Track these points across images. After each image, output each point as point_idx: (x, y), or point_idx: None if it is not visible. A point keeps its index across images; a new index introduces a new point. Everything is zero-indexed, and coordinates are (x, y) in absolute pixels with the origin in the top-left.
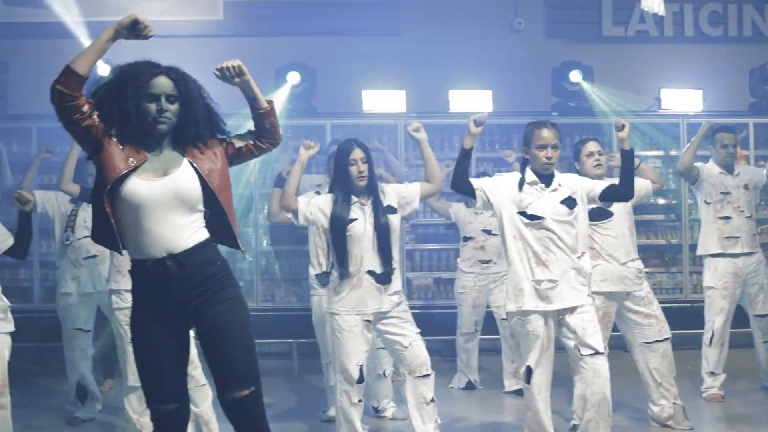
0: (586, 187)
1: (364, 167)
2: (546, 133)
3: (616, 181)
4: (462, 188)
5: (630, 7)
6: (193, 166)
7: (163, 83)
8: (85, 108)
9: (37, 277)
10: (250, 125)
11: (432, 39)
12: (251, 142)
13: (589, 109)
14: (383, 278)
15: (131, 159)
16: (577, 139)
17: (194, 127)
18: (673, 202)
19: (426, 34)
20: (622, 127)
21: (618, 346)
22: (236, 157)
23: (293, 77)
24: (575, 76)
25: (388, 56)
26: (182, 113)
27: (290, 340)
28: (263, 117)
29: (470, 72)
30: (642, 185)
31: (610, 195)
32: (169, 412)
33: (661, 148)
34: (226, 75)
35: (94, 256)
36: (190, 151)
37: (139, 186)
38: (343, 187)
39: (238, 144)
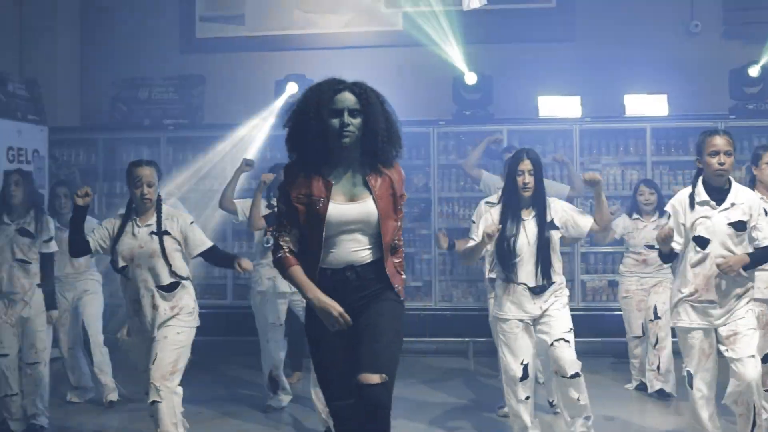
0: (755, 216)
1: (529, 179)
2: (718, 140)
3: None
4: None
5: None
6: (371, 190)
7: (346, 98)
8: (296, 249)
9: (230, 276)
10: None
11: (607, 44)
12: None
13: (767, 112)
14: (537, 291)
15: (321, 200)
16: (756, 143)
17: (375, 141)
18: None
19: (601, 39)
20: None
21: None
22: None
23: (470, 78)
24: (754, 71)
25: (563, 62)
26: (364, 127)
27: (466, 339)
28: None
29: (645, 76)
30: None
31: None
32: (351, 406)
33: None
34: None
35: None
36: (372, 175)
37: (332, 210)
38: (511, 196)
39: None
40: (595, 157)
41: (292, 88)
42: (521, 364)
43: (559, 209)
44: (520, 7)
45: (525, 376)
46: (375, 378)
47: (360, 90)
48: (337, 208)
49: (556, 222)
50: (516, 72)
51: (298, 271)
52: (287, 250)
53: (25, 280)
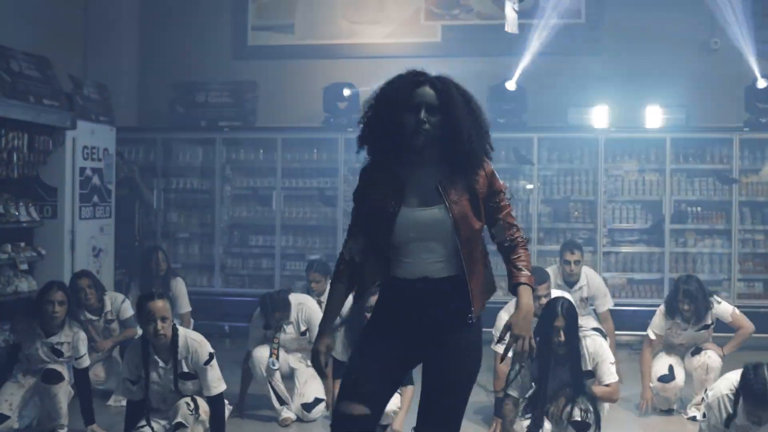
0: None
1: (564, 337)
2: None
3: None
4: None
5: None
6: (444, 195)
7: (425, 92)
8: (358, 259)
9: (278, 266)
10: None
11: (631, 58)
12: (496, 236)
13: None
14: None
15: (392, 204)
16: None
17: (456, 142)
18: None
19: (626, 53)
20: None
21: None
22: (485, 213)
23: (511, 85)
24: (762, 83)
25: (592, 74)
26: (444, 127)
27: None
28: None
29: (667, 88)
30: None
31: None
32: (355, 418)
33: None
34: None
35: None
36: (446, 180)
37: (403, 215)
38: (543, 352)
39: (494, 215)
40: (618, 164)
41: (347, 93)
42: None
43: (592, 352)
44: (552, 22)
45: None
46: None
47: (442, 86)
48: (408, 213)
49: (590, 366)
50: (548, 83)
51: (335, 292)
52: (346, 259)
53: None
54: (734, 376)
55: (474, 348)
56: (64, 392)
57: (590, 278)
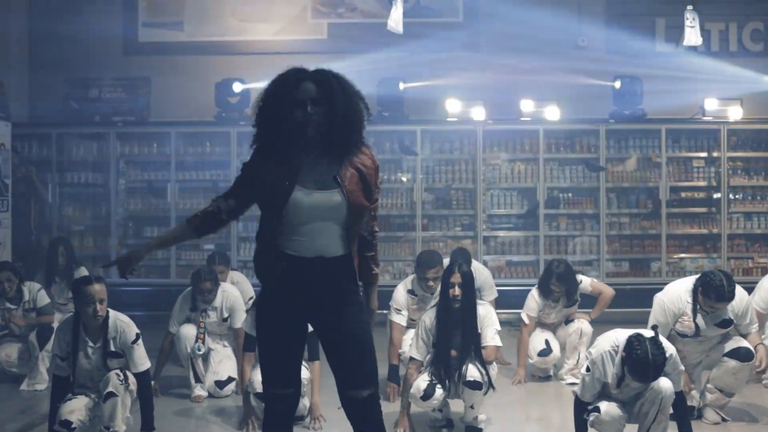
0: None
1: (459, 291)
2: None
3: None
4: None
5: (680, 26)
6: (341, 183)
7: (308, 88)
8: (224, 216)
9: (174, 257)
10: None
11: (507, 55)
12: (365, 231)
13: (641, 117)
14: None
15: (285, 185)
16: (632, 142)
17: (336, 128)
18: (714, 196)
19: (502, 50)
20: None
21: None
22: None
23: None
24: (618, 84)
25: (470, 70)
26: (328, 115)
27: None
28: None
29: (540, 83)
30: None
31: None
32: (284, 396)
33: (704, 150)
34: None
35: None
36: (342, 166)
37: (300, 197)
38: (444, 308)
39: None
40: (495, 153)
41: (237, 88)
42: None
43: (482, 316)
44: (432, 20)
45: None
46: (364, 393)
47: (322, 78)
48: (304, 196)
49: (479, 329)
50: (428, 78)
51: (180, 230)
52: (210, 210)
53: None
54: (615, 335)
55: (363, 306)
56: None
57: (479, 272)
